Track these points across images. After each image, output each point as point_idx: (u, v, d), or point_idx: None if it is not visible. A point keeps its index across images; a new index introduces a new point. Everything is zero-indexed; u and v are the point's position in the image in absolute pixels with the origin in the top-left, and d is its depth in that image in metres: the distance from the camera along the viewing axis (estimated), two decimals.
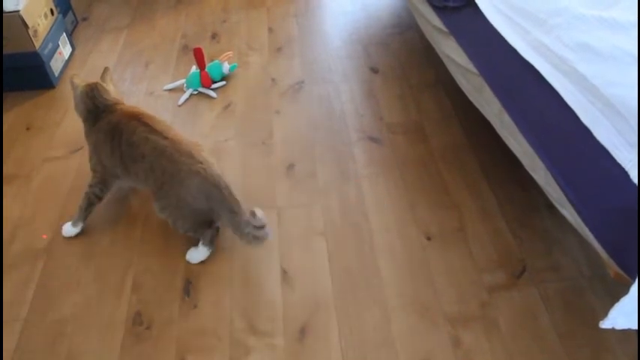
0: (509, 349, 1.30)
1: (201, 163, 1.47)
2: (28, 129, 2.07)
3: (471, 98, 1.63)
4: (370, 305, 1.41)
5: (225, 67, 2.20)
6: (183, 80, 2.21)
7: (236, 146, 1.92)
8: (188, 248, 1.57)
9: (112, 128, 1.54)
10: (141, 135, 1.50)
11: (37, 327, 1.43)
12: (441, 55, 1.81)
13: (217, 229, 1.56)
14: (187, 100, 2.15)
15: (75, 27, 2.65)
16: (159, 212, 1.54)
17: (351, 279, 1.48)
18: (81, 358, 1.36)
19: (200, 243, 1.54)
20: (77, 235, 1.64)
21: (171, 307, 1.45)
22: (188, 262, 1.54)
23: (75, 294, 1.50)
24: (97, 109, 1.59)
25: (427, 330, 1.35)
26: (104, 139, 1.56)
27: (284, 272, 1.51)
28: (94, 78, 2.31)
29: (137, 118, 1.54)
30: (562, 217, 1.27)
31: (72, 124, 2.07)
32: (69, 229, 1.64)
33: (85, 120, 1.62)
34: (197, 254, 1.54)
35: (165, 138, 1.50)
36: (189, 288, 1.49)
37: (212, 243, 1.55)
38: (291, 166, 1.82)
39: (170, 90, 2.21)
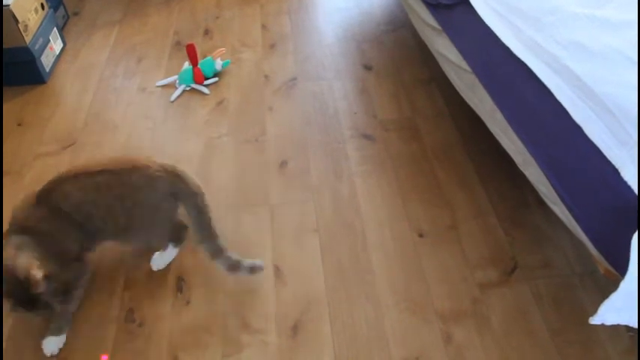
0: (501, 345, 1.31)
1: (149, 166, 1.36)
2: (19, 125, 2.05)
3: (464, 96, 1.64)
4: (363, 302, 1.42)
5: (218, 64, 2.20)
6: (176, 76, 2.20)
7: (229, 143, 1.92)
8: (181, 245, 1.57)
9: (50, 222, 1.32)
10: (76, 193, 1.32)
11: (28, 323, 1.42)
12: (434, 53, 1.81)
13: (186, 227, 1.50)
14: (180, 96, 2.14)
15: (66, 22, 2.63)
16: (136, 245, 1.47)
17: (344, 276, 1.48)
18: (73, 355, 1.35)
19: (170, 245, 1.50)
20: None
21: (163, 304, 1.45)
22: (152, 269, 1.50)
23: None
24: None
25: (419, 326, 1.36)
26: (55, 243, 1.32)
27: (277, 269, 1.51)
28: (85, 74, 2.31)
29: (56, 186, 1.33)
30: (553, 214, 1.28)
31: (63, 120, 2.06)
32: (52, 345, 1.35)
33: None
34: (164, 258, 1.50)
35: (100, 173, 1.33)
36: (181, 285, 1.49)
37: (180, 241, 1.50)
38: (284, 163, 1.82)
39: (162, 86, 2.20)
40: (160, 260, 1.51)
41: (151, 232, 1.44)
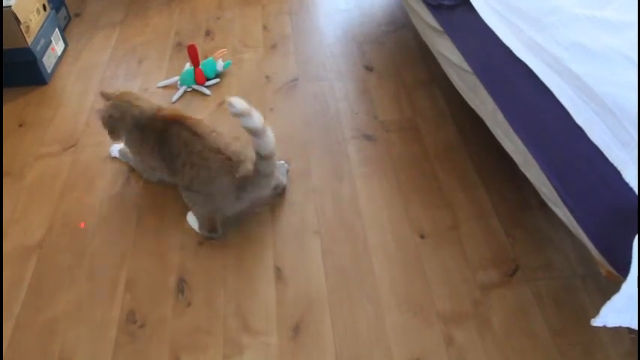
0: (502, 346, 1.31)
1: (230, 159, 1.48)
2: (20, 125, 2.06)
3: (465, 97, 1.64)
4: (364, 303, 1.42)
5: (219, 65, 2.19)
6: (177, 77, 2.20)
7: None
8: (181, 246, 1.57)
9: (159, 134, 1.57)
10: (175, 133, 1.53)
11: (29, 325, 1.42)
12: (435, 54, 1.81)
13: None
14: (181, 97, 2.14)
15: (68, 23, 2.63)
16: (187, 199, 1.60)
17: (345, 277, 1.48)
18: (74, 356, 1.35)
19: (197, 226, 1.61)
20: (70, 233, 1.63)
21: (164, 305, 1.45)
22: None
23: (68, 292, 1.49)
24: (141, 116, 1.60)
25: (420, 328, 1.36)
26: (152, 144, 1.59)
27: (278, 270, 1.51)
28: (87, 75, 2.31)
29: (178, 121, 1.56)
30: (555, 216, 1.28)
31: (65, 121, 2.06)
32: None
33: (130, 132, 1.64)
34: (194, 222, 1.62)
35: (195, 134, 1.51)
36: (182, 286, 1.49)
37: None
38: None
39: (164, 87, 2.20)
40: (194, 223, 1.62)
41: (201, 202, 1.55)
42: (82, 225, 1.58)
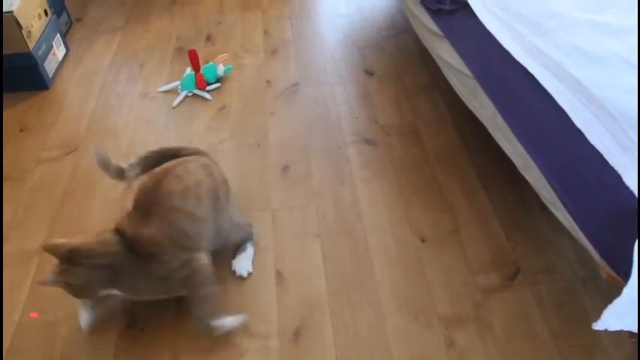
0: (503, 349, 1.31)
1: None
2: (21, 130, 2.06)
3: (465, 101, 1.64)
4: (364, 307, 1.42)
5: (220, 69, 2.20)
6: (178, 82, 2.21)
7: (231, 148, 1.92)
8: None
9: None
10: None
11: (30, 329, 1.42)
12: (435, 58, 1.82)
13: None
14: (182, 102, 2.14)
15: (69, 28, 2.65)
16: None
17: (346, 280, 1.48)
18: None
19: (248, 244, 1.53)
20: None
21: (165, 308, 1.44)
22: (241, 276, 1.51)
23: (68, 296, 1.48)
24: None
25: (421, 331, 1.35)
26: None
27: (278, 274, 1.51)
28: (88, 80, 2.32)
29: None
30: (555, 219, 1.28)
31: (66, 126, 2.06)
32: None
33: None
34: (246, 259, 1.52)
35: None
36: None
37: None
38: (285, 168, 1.82)
39: (165, 92, 2.20)
40: (246, 262, 1.51)
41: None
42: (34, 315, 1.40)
